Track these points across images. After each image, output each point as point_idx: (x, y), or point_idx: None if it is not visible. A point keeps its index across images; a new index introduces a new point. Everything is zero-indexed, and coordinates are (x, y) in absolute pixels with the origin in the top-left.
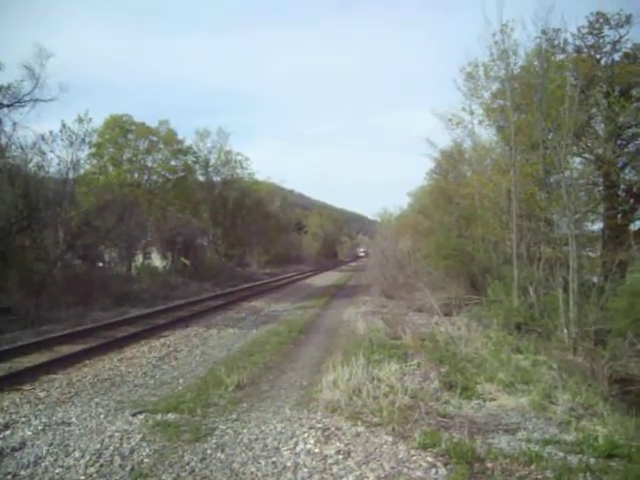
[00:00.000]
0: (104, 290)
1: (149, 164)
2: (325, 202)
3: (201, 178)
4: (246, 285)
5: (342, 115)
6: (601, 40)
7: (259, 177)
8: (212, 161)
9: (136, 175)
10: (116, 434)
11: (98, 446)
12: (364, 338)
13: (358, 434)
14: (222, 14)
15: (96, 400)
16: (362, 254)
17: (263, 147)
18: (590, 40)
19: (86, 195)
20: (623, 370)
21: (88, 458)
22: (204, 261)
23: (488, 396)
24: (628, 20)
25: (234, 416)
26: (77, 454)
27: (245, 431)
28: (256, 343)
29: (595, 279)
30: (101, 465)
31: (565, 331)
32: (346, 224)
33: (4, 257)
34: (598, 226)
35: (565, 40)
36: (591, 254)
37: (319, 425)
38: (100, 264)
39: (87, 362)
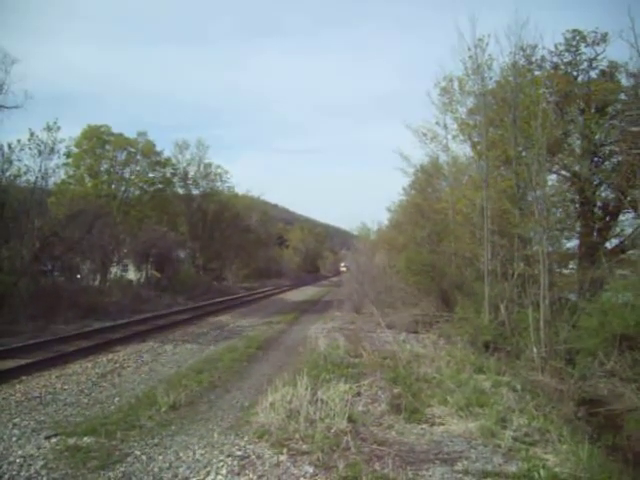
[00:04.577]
0: (72, 303)
1: (127, 175)
2: (309, 217)
3: (180, 190)
4: (219, 299)
5: (329, 130)
6: (578, 57)
7: (239, 190)
8: (191, 173)
9: (113, 186)
10: (18, 460)
11: None
12: (322, 356)
13: (278, 464)
14: (206, 28)
15: (15, 420)
16: (344, 269)
17: (248, 162)
18: (567, 57)
19: (57, 205)
20: (592, 391)
21: None
22: (179, 274)
23: (437, 420)
24: (604, 38)
25: (155, 440)
26: None
27: (160, 458)
28: (210, 360)
29: (573, 297)
30: None
31: (534, 350)
32: (330, 239)
33: None
34: (574, 243)
35: (542, 57)
36: (572, 270)
37: (239, 453)
38: (78, 276)
39: (23, 378)
